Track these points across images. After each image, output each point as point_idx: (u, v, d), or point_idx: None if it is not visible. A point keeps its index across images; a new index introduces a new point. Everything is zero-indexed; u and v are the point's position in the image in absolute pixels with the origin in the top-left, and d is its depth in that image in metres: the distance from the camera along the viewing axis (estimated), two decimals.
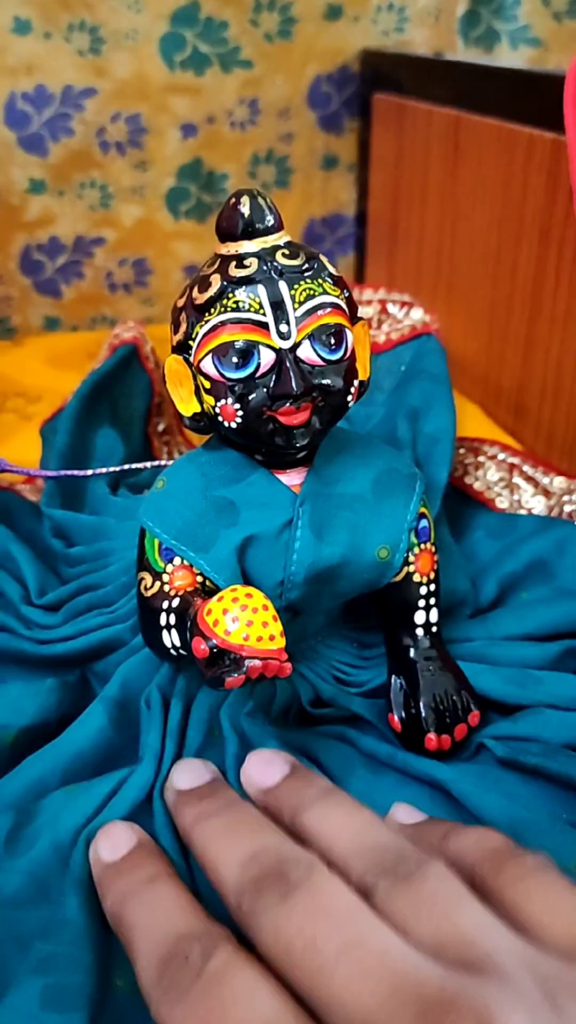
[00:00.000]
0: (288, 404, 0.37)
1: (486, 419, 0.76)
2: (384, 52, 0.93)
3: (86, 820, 0.38)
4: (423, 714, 0.42)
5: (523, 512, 0.61)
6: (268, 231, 0.38)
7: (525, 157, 0.69)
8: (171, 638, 0.39)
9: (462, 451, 0.67)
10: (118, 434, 0.59)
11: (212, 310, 0.37)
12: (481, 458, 0.66)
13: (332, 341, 0.37)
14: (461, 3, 0.93)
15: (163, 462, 0.52)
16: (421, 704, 0.42)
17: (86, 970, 0.32)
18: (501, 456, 0.66)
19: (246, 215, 0.37)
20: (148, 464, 0.52)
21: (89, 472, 0.51)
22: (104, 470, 0.52)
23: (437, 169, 0.83)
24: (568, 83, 0.56)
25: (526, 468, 0.64)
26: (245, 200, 0.37)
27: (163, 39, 0.89)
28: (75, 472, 0.51)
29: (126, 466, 0.52)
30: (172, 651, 0.40)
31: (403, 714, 0.43)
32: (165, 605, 0.40)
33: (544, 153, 0.67)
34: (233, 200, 0.38)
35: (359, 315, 0.41)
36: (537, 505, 0.62)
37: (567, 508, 0.61)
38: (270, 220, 0.38)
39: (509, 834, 0.37)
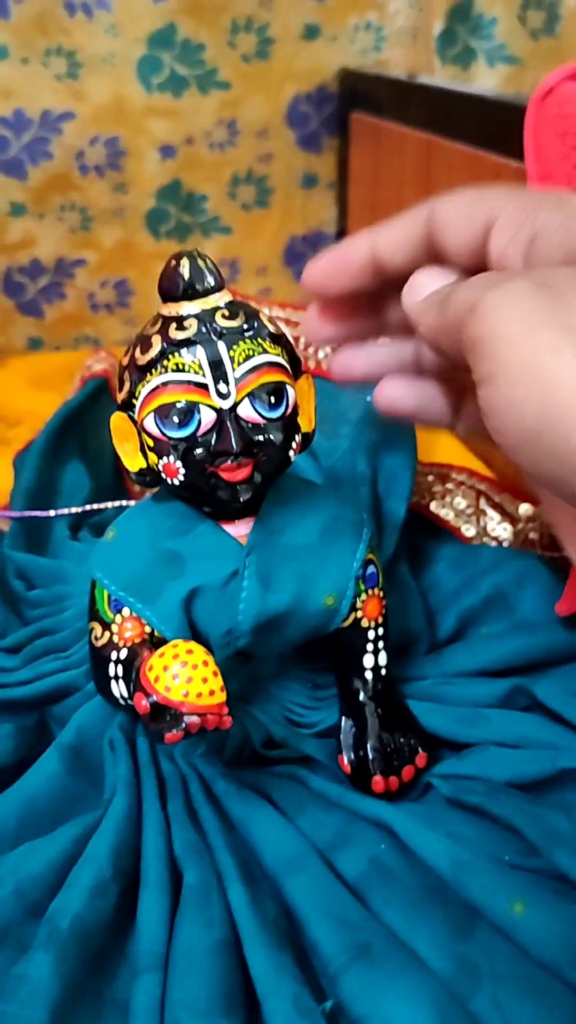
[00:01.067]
0: (229, 461, 0.38)
1: (457, 443, 0.77)
2: (362, 72, 0.94)
3: (52, 867, 0.38)
4: (371, 757, 0.43)
5: (489, 540, 0.62)
6: (208, 291, 0.38)
7: (492, 183, 0.70)
8: (119, 688, 0.40)
9: (430, 478, 0.67)
10: (86, 468, 0.60)
11: (153, 371, 0.38)
12: (449, 484, 0.66)
13: (272, 399, 0.38)
14: (438, 22, 0.94)
15: (123, 503, 0.53)
16: (369, 747, 0.43)
17: None
18: (469, 482, 0.66)
19: (186, 277, 0.38)
20: (109, 504, 0.53)
21: (51, 512, 0.52)
22: (66, 511, 0.52)
23: (411, 190, 0.84)
24: (528, 114, 0.56)
25: (493, 495, 0.65)
26: (185, 262, 0.38)
27: (140, 62, 0.90)
28: (37, 513, 0.52)
29: (87, 507, 0.53)
30: (121, 701, 0.41)
31: (352, 756, 0.44)
32: (114, 656, 0.41)
33: (510, 180, 0.67)
34: (173, 262, 0.38)
35: (303, 369, 0.41)
36: (503, 532, 0.63)
37: (531, 535, 0.62)
38: (210, 281, 0.38)
39: (451, 874, 0.38)
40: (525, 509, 0.63)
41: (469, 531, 0.63)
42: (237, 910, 0.37)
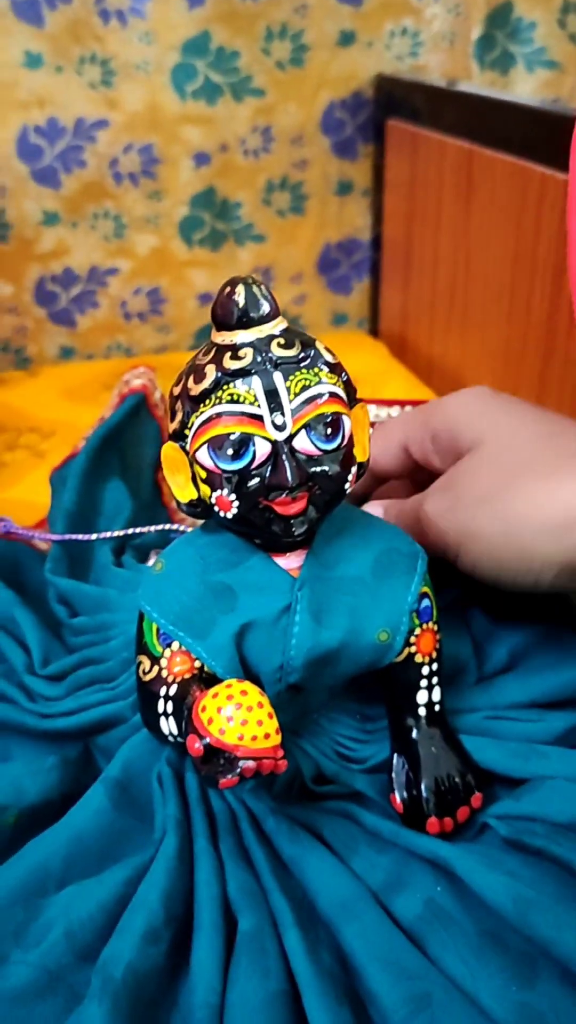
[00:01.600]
0: (284, 495, 0.37)
1: None
2: (398, 78, 0.92)
3: (102, 910, 0.37)
4: (424, 796, 0.42)
5: None
6: (263, 320, 0.37)
7: (538, 196, 0.68)
8: (168, 725, 0.39)
9: None
10: (127, 487, 0.59)
11: (207, 401, 0.37)
12: None
13: (328, 431, 0.37)
14: (476, 27, 0.92)
15: (167, 527, 0.52)
16: (423, 787, 0.42)
17: None
18: None
19: (240, 304, 0.37)
20: (152, 528, 0.52)
21: (93, 536, 0.51)
22: (109, 534, 0.51)
23: (450, 200, 0.82)
24: None
25: None
26: (240, 289, 0.37)
27: (174, 70, 0.89)
28: (79, 536, 0.51)
29: (131, 530, 0.52)
30: (170, 738, 0.39)
31: (405, 795, 0.43)
32: (163, 691, 0.40)
33: (557, 193, 0.66)
34: (228, 289, 0.37)
35: (357, 398, 0.40)
36: None
37: None
38: (265, 308, 0.37)
39: (513, 912, 0.37)
40: None
41: None
42: (294, 958, 0.36)
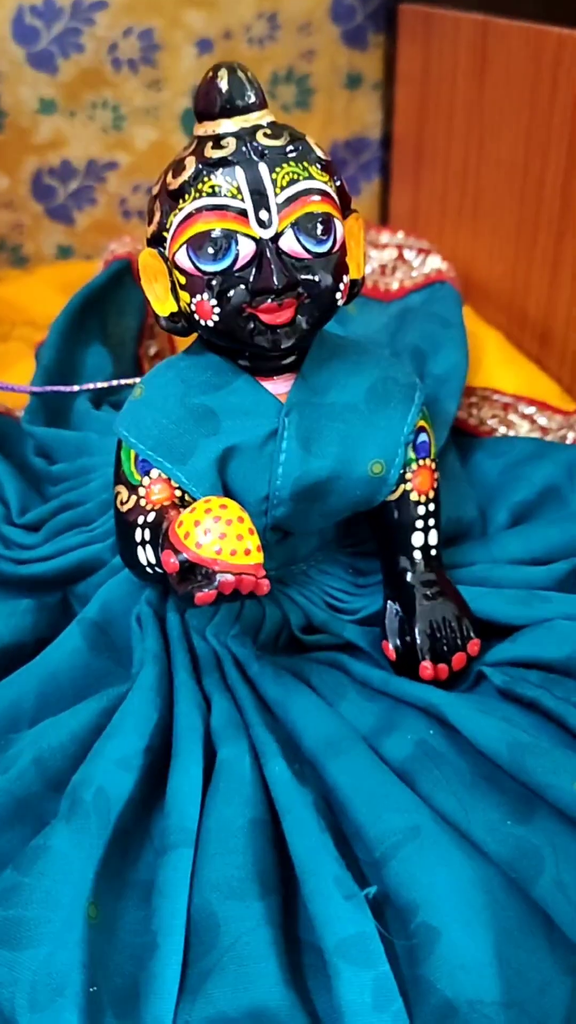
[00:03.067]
0: (269, 300, 0.34)
1: (509, 346, 0.72)
2: None
3: (74, 739, 0.35)
4: (419, 642, 0.40)
5: None
6: (248, 108, 0.34)
7: (554, 60, 0.65)
8: (146, 555, 0.37)
9: None
10: (108, 352, 0.57)
11: (187, 196, 0.34)
12: (474, 398, 0.62)
13: (319, 231, 0.34)
14: None
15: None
16: (417, 631, 0.40)
17: (55, 904, 0.30)
18: (495, 397, 0.62)
19: (224, 91, 0.34)
20: (136, 380, 0.49)
21: (75, 388, 0.49)
22: (91, 385, 0.49)
23: (464, 82, 0.79)
24: None
25: (521, 407, 0.60)
26: (223, 74, 0.34)
27: None
28: (60, 388, 0.49)
29: (114, 382, 0.49)
30: (148, 569, 0.37)
31: (398, 642, 0.40)
32: (140, 520, 0.37)
33: (574, 55, 0.62)
34: (211, 74, 0.34)
35: (353, 208, 0.37)
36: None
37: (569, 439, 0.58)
38: (251, 97, 0.34)
39: (508, 757, 0.35)
40: (558, 419, 0.59)
41: (498, 436, 0.59)
42: (277, 786, 0.34)
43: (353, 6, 0.92)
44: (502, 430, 0.59)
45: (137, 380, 0.51)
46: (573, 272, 0.65)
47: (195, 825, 0.33)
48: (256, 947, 0.30)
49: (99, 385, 0.49)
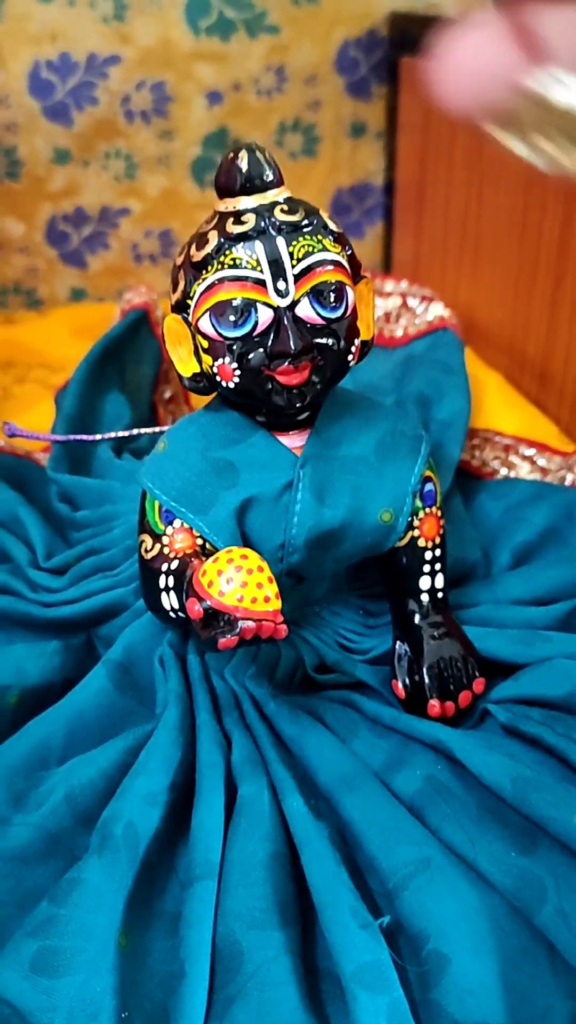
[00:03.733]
0: (286, 363, 0.36)
1: (510, 388, 0.75)
2: (412, 15, 0.91)
3: (103, 776, 0.37)
4: (427, 681, 0.42)
5: None
6: (267, 186, 0.37)
7: None
8: (170, 600, 0.39)
9: None
10: (126, 399, 0.59)
11: (209, 267, 0.37)
12: (476, 440, 0.65)
13: (332, 299, 0.37)
14: None
15: (167, 428, 0.52)
16: (425, 671, 0.42)
17: (88, 934, 0.32)
18: (496, 439, 0.65)
19: (244, 170, 0.37)
20: (156, 429, 0.52)
21: (97, 437, 0.51)
22: (112, 435, 0.51)
23: (464, 132, 0.82)
24: None
25: (522, 449, 0.63)
26: (243, 155, 0.37)
27: (188, 4, 0.88)
28: (83, 437, 0.51)
29: (135, 431, 0.52)
30: (172, 614, 0.39)
31: (407, 680, 0.43)
32: (164, 567, 0.39)
33: None
34: (231, 155, 0.37)
35: (363, 274, 0.40)
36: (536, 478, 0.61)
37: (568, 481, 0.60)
38: (269, 175, 0.37)
39: (512, 792, 0.37)
40: (557, 461, 0.61)
41: (500, 478, 0.62)
42: (294, 821, 0.36)
43: (357, 59, 0.96)
44: (503, 471, 0.62)
45: (155, 430, 0.53)
46: (571, 316, 0.68)
47: (218, 858, 0.35)
48: (277, 974, 0.31)
49: (120, 434, 0.51)
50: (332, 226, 0.38)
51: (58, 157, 0.92)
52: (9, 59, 0.87)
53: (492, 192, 0.78)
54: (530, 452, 0.63)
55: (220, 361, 0.37)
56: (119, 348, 0.62)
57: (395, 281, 0.75)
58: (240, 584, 0.34)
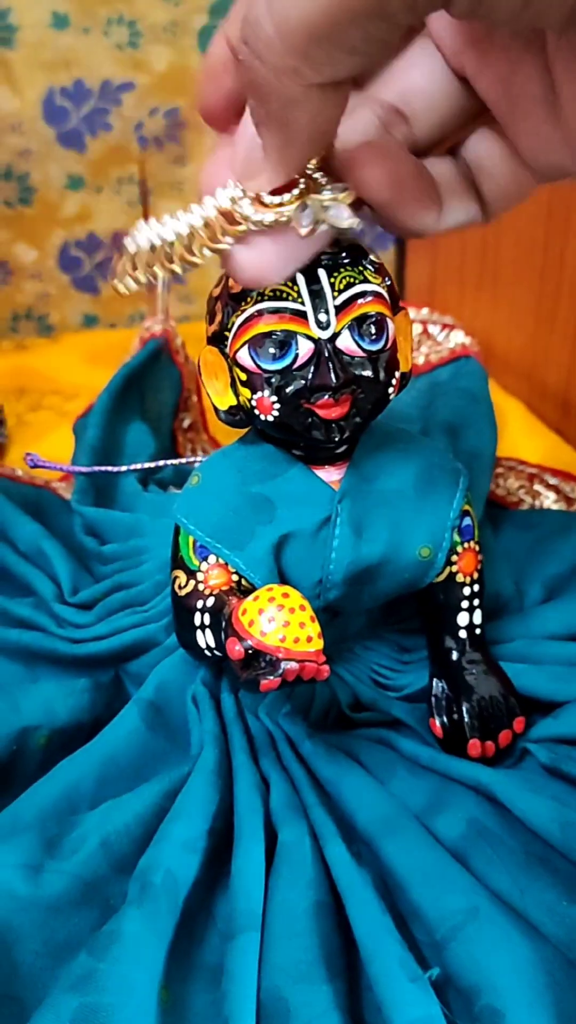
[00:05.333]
0: (327, 397, 0.36)
1: (531, 416, 0.74)
2: None
3: (139, 822, 0.36)
4: (466, 720, 0.41)
5: None
6: None
7: None
8: (206, 638, 0.38)
9: None
10: (148, 428, 0.59)
11: (248, 299, 0.36)
12: (500, 469, 0.64)
13: (373, 331, 0.36)
14: None
15: (193, 458, 0.51)
16: (464, 709, 0.41)
17: (130, 989, 0.31)
18: (520, 468, 0.64)
19: None
20: (183, 460, 0.51)
21: (122, 468, 0.50)
22: (138, 466, 0.51)
23: None
24: None
25: (547, 478, 0.62)
26: None
27: (201, 31, 0.88)
28: (107, 468, 0.50)
29: (161, 462, 0.51)
30: (207, 652, 0.38)
31: (445, 719, 0.41)
32: (200, 604, 0.39)
33: None
34: None
35: (400, 305, 0.39)
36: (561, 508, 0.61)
37: None
38: None
39: (559, 838, 0.36)
40: None
41: (525, 507, 0.61)
42: (337, 868, 0.35)
43: None
44: (528, 500, 0.61)
45: (181, 461, 0.52)
46: None
47: (260, 908, 0.33)
48: None
49: (147, 465, 0.50)
50: (372, 257, 0.37)
51: (71, 183, 0.92)
52: (25, 86, 0.87)
53: (511, 218, 0.77)
54: (554, 481, 0.62)
55: (259, 394, 0.36)
56: (139, 377, 0.61)
57: (415, 308, 0.74)
58: (282, 624, 0.33)
